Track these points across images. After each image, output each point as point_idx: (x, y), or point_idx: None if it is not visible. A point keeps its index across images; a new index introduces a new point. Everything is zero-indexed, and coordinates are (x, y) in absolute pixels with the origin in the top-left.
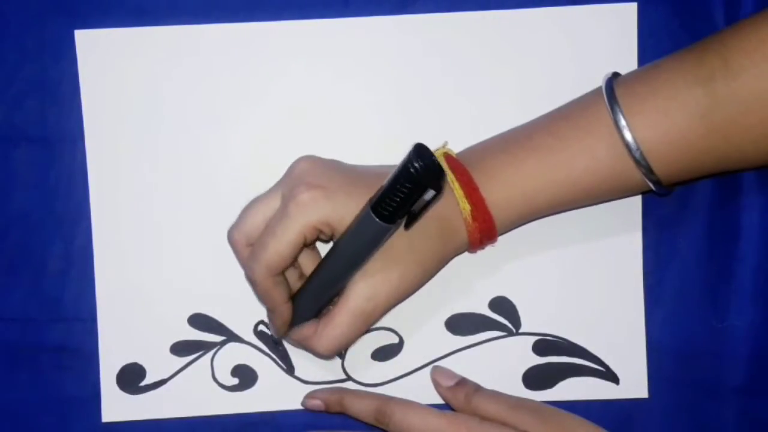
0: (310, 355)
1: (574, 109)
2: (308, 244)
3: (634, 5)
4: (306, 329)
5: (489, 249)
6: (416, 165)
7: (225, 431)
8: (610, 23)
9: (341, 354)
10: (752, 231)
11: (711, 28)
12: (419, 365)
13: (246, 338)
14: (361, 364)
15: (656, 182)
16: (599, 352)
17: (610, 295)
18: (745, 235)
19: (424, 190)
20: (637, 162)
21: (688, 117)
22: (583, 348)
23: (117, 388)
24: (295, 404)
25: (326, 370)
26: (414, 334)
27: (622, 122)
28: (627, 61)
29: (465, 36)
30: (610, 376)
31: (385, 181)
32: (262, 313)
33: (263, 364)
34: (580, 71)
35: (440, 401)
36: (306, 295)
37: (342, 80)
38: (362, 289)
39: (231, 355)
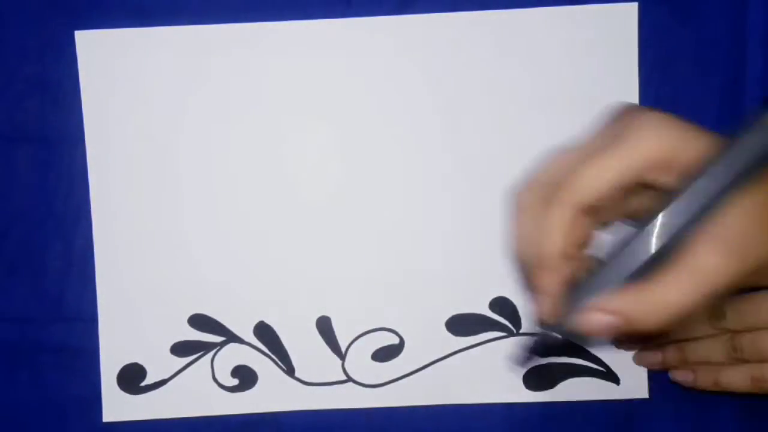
0: (311, 357)
1: None
2: (629, 194)
3: (635, 5)
4: (620, 298)
5: (489, 249)
6: None
7: (225, 430)
8: (611, 23)
9: (342, 354)
10: None
11: (713, 28)
12: (420, 366)
13: (246, 339)
14: (361, 365)
15: None
16: (599, 352)
17: None
18: None
19: None
20: None
21: None
22: (583, 348)
23: (118, 388)
24: (296, 405)
25: (327, 372)
26: (414, 335)
27: None
28: (627, 62)
29: (465, 36)
30: (611, 377)
31: None
32: (262, 314)
33: (263, 365)
34: (581, 71)
35: (440, 402)
36: (624, 258)
37: (344, 80)
38: (716, 245)
39: (231, 355)
